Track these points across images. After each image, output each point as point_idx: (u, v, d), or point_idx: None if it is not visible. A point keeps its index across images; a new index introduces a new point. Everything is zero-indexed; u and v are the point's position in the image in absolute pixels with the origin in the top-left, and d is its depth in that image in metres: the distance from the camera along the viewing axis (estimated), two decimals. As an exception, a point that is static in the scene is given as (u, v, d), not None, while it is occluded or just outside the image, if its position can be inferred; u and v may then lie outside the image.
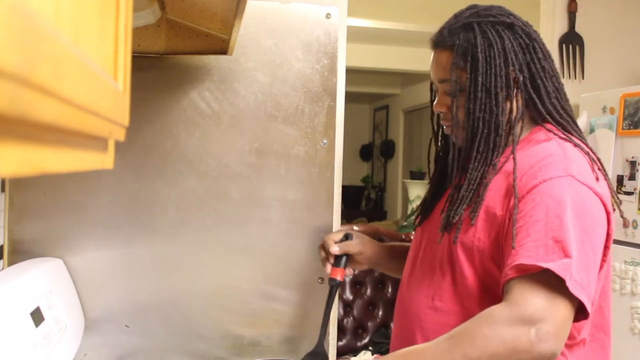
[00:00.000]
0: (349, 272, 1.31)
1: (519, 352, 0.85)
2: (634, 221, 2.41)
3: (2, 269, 1.28)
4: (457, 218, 1.03)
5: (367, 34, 4.78)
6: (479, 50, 1.04)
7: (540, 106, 1.07)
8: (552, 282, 0.88)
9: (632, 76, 3.03)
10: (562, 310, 0.88)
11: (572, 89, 2.96)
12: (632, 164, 2.42)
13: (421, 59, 5.52)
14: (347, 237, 1.31)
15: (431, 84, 1.22)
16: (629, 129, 2.43)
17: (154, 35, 1.26)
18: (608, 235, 0.99)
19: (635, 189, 2.40)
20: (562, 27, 3.00)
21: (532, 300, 0.87)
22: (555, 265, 0.87)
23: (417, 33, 4.82)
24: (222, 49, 1.29)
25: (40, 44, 0.26)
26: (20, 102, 0.24)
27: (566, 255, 0.88)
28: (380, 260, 1.35)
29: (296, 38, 1.44)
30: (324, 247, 1.32)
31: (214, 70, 1.41)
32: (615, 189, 2.46)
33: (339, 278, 1.27)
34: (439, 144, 1.25)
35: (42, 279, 1.18)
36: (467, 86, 1.05)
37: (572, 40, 2.99)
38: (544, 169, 0.98)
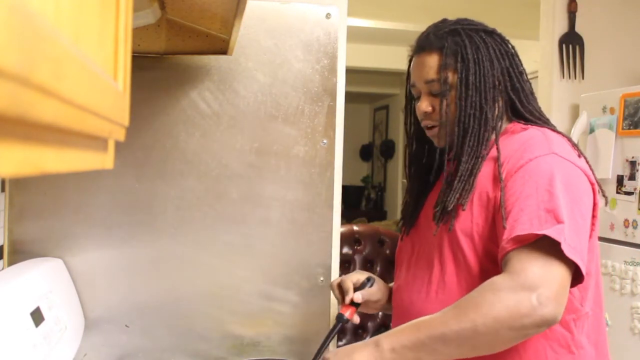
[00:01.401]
0: (357, 319, 1.27)
1: (521, 316, 0.90)
2: (634, 221, 2.41)
3: (2, 269, 1.28)
4: (452, 206, 1.09)
5: (367, 34, 4.79)
6: (468, 52, 1.12)
7: (519, 106, 1.16)
8: (548, 249, 0.93)
9: (632, 76, 3.03)
10: (559, 275, 0.92)
11: (572, 89, 2.96)
12: (632, 164, 2.42)
13: (421, 59, 5.53)
14: (368, 280, 1.28)
15: (407, 91, 1.24)
16: (629, 129, 2.43)
17: (154, 35, 1.26)
18: (594, 204, 1.06)
19: (635, 189, 2.40)
20: (562, 27, 3.00)
21: (530, 268, 0.92)
22: (550, 231, 0.93)
23: (417, 33, 4.82)
24: (222, 49, 1.29)
25: (40, 44, 0.26)
26: (20, 102, 0.24)
27: (559, 221, 0.94)
28: (390, 304, 1.35)
29: (296, 38, 1.44)
30: (340, 286, 1.30)
31: (214, 70, 1.41)
32: (615, 189, 2.47)
33: (347, 315, 1.23)
34: (412, 149, 1.28)
35: (42, 279, 1.18)
36: (458, 85, 1.12)
37: (572, 40, 2.99)
38: (528, 149, 1.05)
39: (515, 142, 1.09)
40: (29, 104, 0.25)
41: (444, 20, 1.19)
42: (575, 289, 1.03)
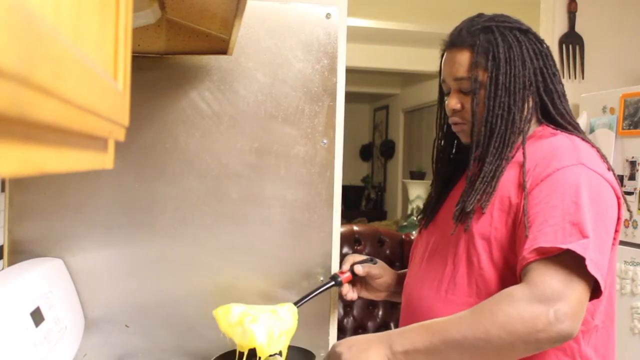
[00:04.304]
0: (353, 295, 1.36)
1: (537, 330, 0.88)
2: (634, 221, 2.41)
3: (2, 269, 1.28)
4: (471, 207, 1.07)
5: (367, 34, 4.79)
6: (500, 50, 1.09)
7: (551, 108, 1.13)
8: (570, 264, 0.91)
9: (632, 76, 3.03)
10: (579, 291, 0.91)
11: (572, 89, 2.96)
12: (632, 164, 2.42)
13: (421, 59, 5.54)
14: (371, 260, 1.37)
15: (440, 84, 1.23)
16: (629, 129, 2.43)
17: (154, 35, 1.26)
18: (619, 218, 1.05)
19: (635, 189, 2.40)
20: (562, 27, 3.00)
21: (550, 281, 0.90)
22: (575, 246, 0.90)
23: (417, 33, 4.83)
24: (222, 49, 1.29)
25: (40, 44, 0.26)
26: (20, 102, 0.24)
27: (584, 236, 0.92)
28: (398, 287, 1.37)
29: (296, 38, 1.44)
30: (343, 263, 1.37)
31: (214, 70, 1.41)
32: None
33: (342, 279, 1.33)
34: (440, 144, 1.27)
35: (42, 279, 1.18)
36: (487, 84, 1.10)
37: (572, 40, 3.00)
38: (555, 158, 1.03)
39: (543, 149, 1.06)
40: (29, 104, 0.25)
41: (479, 15, 1.16)
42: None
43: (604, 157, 1.09)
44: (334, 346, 1.05)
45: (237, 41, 1.35)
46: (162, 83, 1.40)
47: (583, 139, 1.10)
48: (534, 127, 1.14)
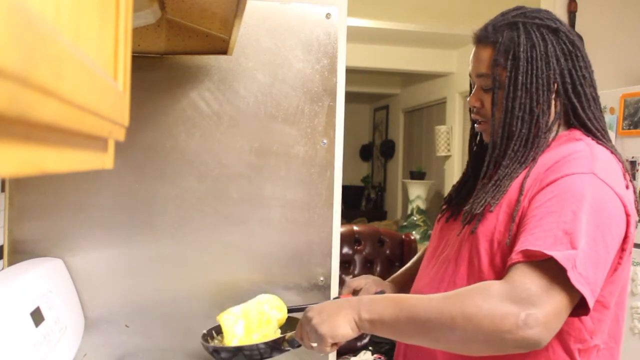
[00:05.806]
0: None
1: (503, 331, 0.84)
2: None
3: (2, 269, 1.28)
4: (480, 210, 1.04)
5: (367, 34, 4.79)
6: (522, 49, 1.06)
7: (580, 111, 1.08)
8: (555, 272, 0.87)
9: (632, 76, 3.03)
10: (558, 301, 0.86)
11: (572, 89, 2.96)
12: (632, 164, 2.42)
13: (421, 59, 5.53)
14: (382, 292, 1.31)
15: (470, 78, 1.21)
16: (629, 129, 2.43)
17: (154, 35, 1.26)
18: (626, 237, 0.98)
19: (635, 189, 2.40)
20: (562, 27, 3.00)
21: (529, 284, 0.86)
22: (560, 255, 0.87)
23: (417, 33, 4.83)
24: (222, 49, 1.29)
25: (40, 44, 0.26)
26: (20, 102, 0.24)
27: (573, 247, 0.88)
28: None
29: (296, 38, 1.44)
30: (347, 286, 1.33)
31: (214, 70, 1.41)
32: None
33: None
34: (476, 139, 1.24)
35: (42, 279, 1.18)
36: (506, 84, 1.06)
37: (572, 40, 2.99)
38: (567, 164, 0.99)
39: (559, 154, 1.03)
40: (29, 104, 0.25)
41: (517, 8, 1.12)
42: (588, 320, 0.98)
43: (626, 174, 1.04)
44: (305, 311, 1.04)
45: (237, 41, 1.35)
46: (162, 83, 1.40)
47: (611, 151, 1.05)
48: (560, 130, 1.09)
